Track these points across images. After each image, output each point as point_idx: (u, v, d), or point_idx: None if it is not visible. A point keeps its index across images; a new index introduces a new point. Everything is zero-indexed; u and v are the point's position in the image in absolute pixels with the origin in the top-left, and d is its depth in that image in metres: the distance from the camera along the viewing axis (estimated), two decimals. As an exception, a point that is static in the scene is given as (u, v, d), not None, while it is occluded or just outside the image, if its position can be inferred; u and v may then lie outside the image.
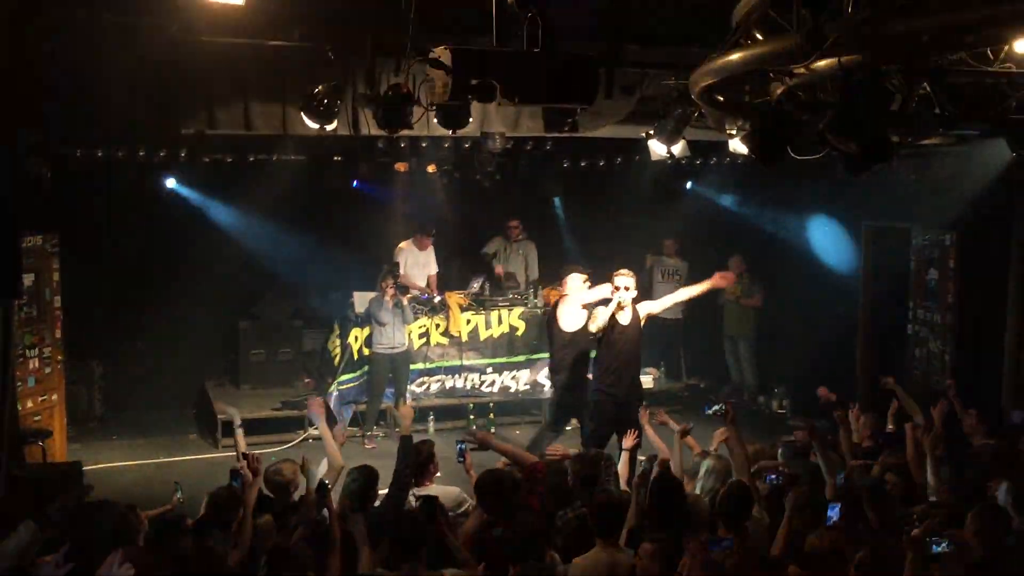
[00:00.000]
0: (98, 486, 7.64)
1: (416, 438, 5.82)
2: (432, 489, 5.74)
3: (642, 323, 7.56)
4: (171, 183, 10.01)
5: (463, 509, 5.73)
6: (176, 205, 10.07)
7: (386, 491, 5.49)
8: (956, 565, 4.05)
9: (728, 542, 4.44)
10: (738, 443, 5.59)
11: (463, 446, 5.95)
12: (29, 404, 8.10)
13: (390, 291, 9.22)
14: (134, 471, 8.63)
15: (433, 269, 10.59)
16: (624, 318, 7.45)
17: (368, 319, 9.50)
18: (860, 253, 10.47)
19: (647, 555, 4.35)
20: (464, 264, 11.29)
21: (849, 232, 10.55)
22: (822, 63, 4.01)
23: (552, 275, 10.50)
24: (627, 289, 7.36)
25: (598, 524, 4.71)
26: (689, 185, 11.76)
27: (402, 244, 10.41)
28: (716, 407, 5.92)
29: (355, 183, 10.57)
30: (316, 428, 9.30)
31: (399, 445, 5.58)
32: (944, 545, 4.02)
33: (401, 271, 10.09)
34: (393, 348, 9.42)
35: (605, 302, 7.47)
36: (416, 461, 5.69)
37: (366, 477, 5.32)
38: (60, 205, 8.52)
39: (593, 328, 7.49)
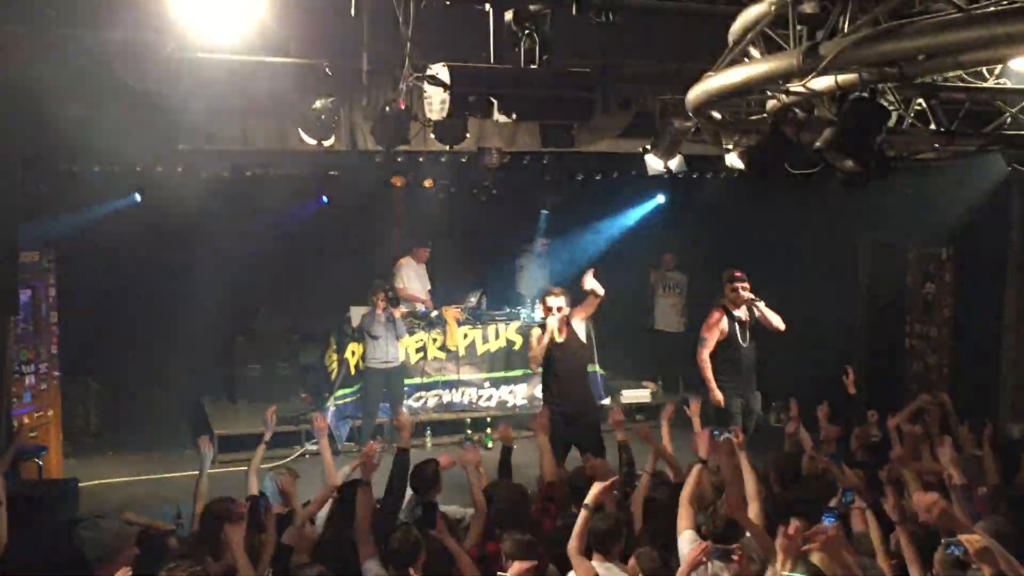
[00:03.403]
0: (94, 502, 7.62)
1: (413, 452, 5.80)
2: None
3: (582, 334, 7.53)
4: (164, 198, 9.99)
5: (463, 526, 5.71)
6: (172, 220, 10.06)
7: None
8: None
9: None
10: (749, 470, 5.21)
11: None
12: (25, 420, 8.08)
13: (381, 304, 9.20)
14: (130, 487, 8.60)
15: (427, 284, 10.59)
16: (559, 335, 7.47)
17: (363, 334, 9.48)
18: (857, 268, 10.48)
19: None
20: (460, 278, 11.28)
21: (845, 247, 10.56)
22: (819, 82, 4.02)
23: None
24: (559, 310, 7.42)
25: (596, 540, 4.69)
26: (684, 200, 11.74)
27: (401, 260, 10.40)
28: (724, 433, 5.67)
29: (323, 199, 10.66)
30: (315, 444, 9.38)
31: (394, 457, 5.55)
32: (956, 548, 3.93)
33: (402, 285, 10.09)
34: (387, 362, 9.38)
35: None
36: (423, 482, 5.66)
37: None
38: (57, 220, 8.52)
39: (532, 364, 7.66)
